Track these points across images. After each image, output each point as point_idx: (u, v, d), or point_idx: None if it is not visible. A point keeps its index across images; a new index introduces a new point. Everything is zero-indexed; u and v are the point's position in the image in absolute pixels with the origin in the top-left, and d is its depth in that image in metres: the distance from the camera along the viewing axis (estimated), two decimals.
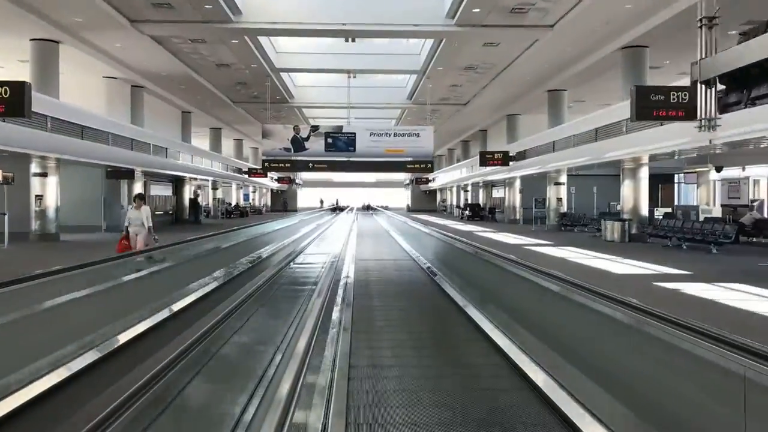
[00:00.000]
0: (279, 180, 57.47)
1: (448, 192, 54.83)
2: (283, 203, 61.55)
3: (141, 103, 25.86)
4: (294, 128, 25.44)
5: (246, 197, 54.27)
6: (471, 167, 37.05)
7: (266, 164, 25.44)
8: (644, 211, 18.85)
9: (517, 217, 32.23)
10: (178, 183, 31.55)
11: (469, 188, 46.21)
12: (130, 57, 21.74)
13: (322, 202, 79.61)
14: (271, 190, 62.30)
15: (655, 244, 17.54)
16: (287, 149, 25.26)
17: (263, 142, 25.35)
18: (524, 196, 31.76)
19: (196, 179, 37.81)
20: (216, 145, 39.98)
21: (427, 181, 58.11)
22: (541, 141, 22.94)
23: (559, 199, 25.57)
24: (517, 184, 32.16)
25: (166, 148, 24.01)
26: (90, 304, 6.94)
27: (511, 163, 26.04)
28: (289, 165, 25.68)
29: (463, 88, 28.29)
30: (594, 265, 12.33)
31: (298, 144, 25.26)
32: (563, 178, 25.58)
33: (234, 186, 46.46)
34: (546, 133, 22.84)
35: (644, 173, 18.68)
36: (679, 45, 19.11)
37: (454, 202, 52.91)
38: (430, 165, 25.32)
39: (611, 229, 18.75)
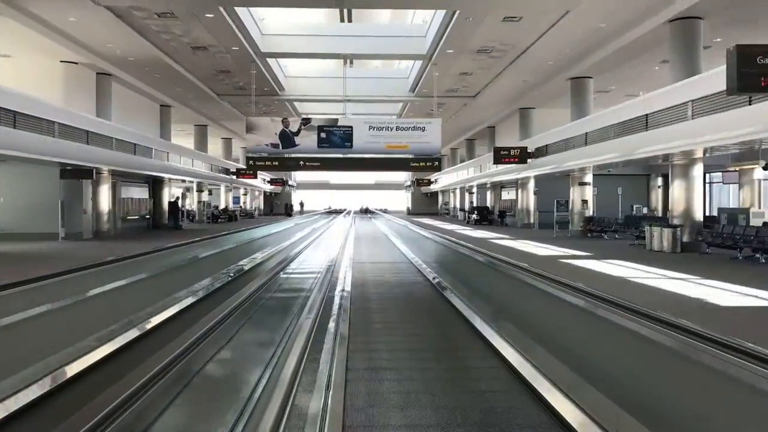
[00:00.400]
0: (272, 182, 54.36)
1: (451, 194, 51.72)
2: (286, 207, 59.38)
3: (108, 93, 22.70)
4: (282, 121, 22.36)
5: (236, 200, 51.10)
6: (479, 167, 33.95)
7: (251, 162, 22.37)
8: (698, 215, 15.76)
9: (531, 221, 29.15)
10: (156, 185, 28.40)
11: (475, 190, 43.11)
12: (89, 36, 18.60)
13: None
14: (264, 192, 59.17)
15: (719, 256, 14.45)
16: (275, 145, 22.19)
17: (248, 136, 22.28)
18: (539, 197, 28.71)
19: (181, 180, 34.69)
20: (201, 143, 36.82)
21: (429, 182, 55.00)
22: (569, 133, 19.80)
23: (585, 202, 22.49)
24: (531, 184, 29.11)
25: (135, 144, 20.85)
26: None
27: (529, 160, 22.93)
28: (277, 163, 22.59)
29: (473, 77, 25.20)
30: (678, 290, 9.20)
31: (287, 139, 22.19)
32: (588, 178, 22.50)
33: (223, 188, 43.28)
34: (577, 124, 19.63)
35: (698, 171, 15.61)
36: (737, 17, 16.11)
37: (457, 205, 49.83)
38: (437, 162, 22.27)
39: (659, 237, 15.65)
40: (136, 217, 26.24)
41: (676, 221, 15.76)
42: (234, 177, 37.09)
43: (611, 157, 16.59)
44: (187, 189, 41.76)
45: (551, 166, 21.30)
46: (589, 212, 22.63)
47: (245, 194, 50.77)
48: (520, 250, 16.45)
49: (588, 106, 22.76)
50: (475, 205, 41.30)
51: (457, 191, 49.76)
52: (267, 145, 22.22)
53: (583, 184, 22.53)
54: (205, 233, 25.34)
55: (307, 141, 22.25)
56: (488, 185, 36.85)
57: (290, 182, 62.11)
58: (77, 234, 20.42)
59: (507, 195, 34.43)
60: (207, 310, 8.10)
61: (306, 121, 22.46)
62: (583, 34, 18.49)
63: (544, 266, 11.83)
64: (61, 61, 20.42)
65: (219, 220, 37.88)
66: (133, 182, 25.61)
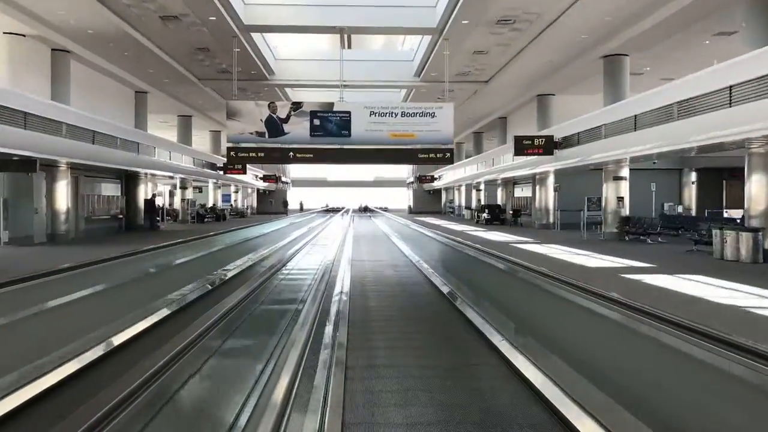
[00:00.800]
0: (265, 179, 51.19)
1: (456, 192, 48.55)
2: (283, 204, 58.15)
3: (66, 73, 19.53)
4: (269, 106, 19.16)
5: (227, 198, 47.92)
6: (491, 160, 30.76)
7: (232, 153, 19.15)
8: None
9: (551, 220, 26.03)
10: (130, 181, 25.23)
11: (483, 187, 39.97)
12: (35, 2, 15.45)
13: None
14: (258, 190, 55.97)
15: None
16: (260, 134, 18.99)
17: (229, 124, 19.08)
18: (559, 195, 25.58)
19: (162, 177, 31.54)
20: (186, 135, 33.65)
21: (432, 179, 51.82)
22: (609, 117, 16.51)
23: (620, 199, 19.35)
24: (551, 180, 25.98)
25: (93, 132, 17.63)
26: None
27: (555, 151, 19.75)
28: (262, 154, 19.36)
29: (488, 57, 22.04)
30: None
31: (274, 127, 19.00)
32: (625, 172, 19.37)
33: (211, 185, 40.10)
34: (622, 105, 16.19)
35: None
36: None
37: (462, 203, 46.71)
38: (449, 154, 19.07)
39: (733, 243, 12.52)
40: (106, 217, 23.07)
41: (754, 223, 12.63)
42: (221, 173, 33.87)
43: (671, 143, 13.36)
44: (175, 186, 38.43)
45: (581, 158, 18.10)
46: (626, 211, 19.50)
47: (236, 192, 47.58)
48: (556, 258, 13.31)
49: (623, 88, 19.64)
50: (483, 203, 38.20)
51: (463, 188, 46.62)
52: (251, 133, 19.02)
53: (618, 178, 19.39)
54: (186, 234, 22.20)
55: (298, 129, 19.07)
56: (499, 181, 33.70)
57: (283, 178, 58.81)
58: (26, 238, 17.29)
59: (521, 192, 31.26)
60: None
61: (296, 106, 19.26)
62: (622, 1, 15.40)
63: (606, 285, 8.69)
64: (4, 33, 17.24)
65: (206, 219, 34.71)
66: (100, 177, 22.43)
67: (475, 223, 32.55)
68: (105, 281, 11.17)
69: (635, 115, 14.54)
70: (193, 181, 35.22)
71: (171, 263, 15.66)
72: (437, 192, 56.74)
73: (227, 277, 12.45)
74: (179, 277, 13.37)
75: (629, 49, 19.34)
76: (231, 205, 46.53)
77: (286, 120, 19.05)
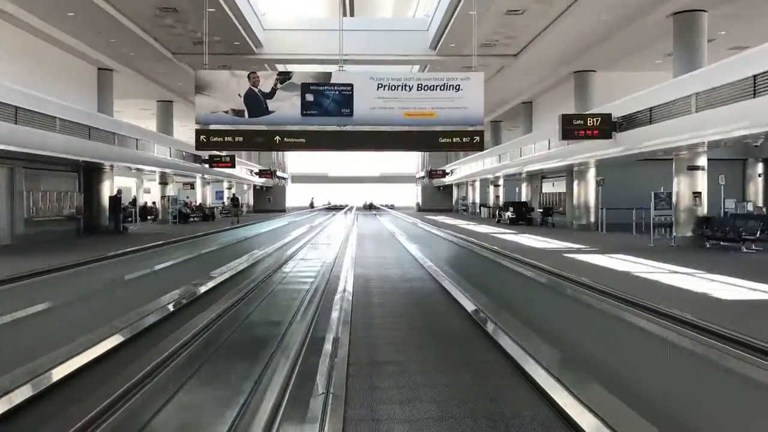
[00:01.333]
0: (261, 174, 47.14)
1: (470, 188, 44.34)
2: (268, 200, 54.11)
3: None
4: (249, 77, 15.05)
5: (220, 195, 43.89)
6: (519, 150, 26.55)
7: (201, 137, 15.03)
8: None
9: (592, 220, 21.87)
10: (92, 174, 21.19)
11: (501, 182, 35.82)
12: None
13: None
14: (254, 186, 51.89)
15: None
16: (237, 112, 14.92)
17: (198, 100, 14.99)
18: (603, 190, 21.42)
19: (133, 170, 27.67)
20: (166, 123, 29.57)
21: (444, 174, 47.62)
22: (705, 83, 12.16)
23: (697, 195, 15.18)
24: (592, 173, 21.82)
25: (16, 108, 13.44)
26: None
27: (615, 134, 15.49)
28: (241, 139, 15.25)
29: (524, 19, 17.84)
30: None
31: (255, 103, 14.92)
32: (703, 160, 15.20)
33: (199, 181, 36.05)
34: (735, 61, 11.67)
35: None
36: None
37: (477, 200, 42.53)
38: (478, 138, 14.94)
39: None
40: (57, 218, 19.03)
41: None
42: (206, 166, 29.73)
43: None
44: (166, 182, 34.25)
45: (662, 140, 13.78)
46: (703, 210, 15.31)
47: (230, 188, 43.52)
48: (646, 279, 9.16)
49: (700, 52, 15.45)
50: (502, 200, 34.07)
51: (477, 184, 42.45)
52: (226, 112, 14.92)
53: (693, 168, 15.21)
54: (160, 238, 18.24)
55: (286, 106, 14.97)
56: (523, 175, 29.54)
57: (279, 173, 54.46)
58: None
59: (551, 187, 27.09)
60: None
61: (284, 77, 15.13)
62: None
63: None
64: None
65: (191, 219, 30.67)
66: (48, 169, 18.37)
67: (496, 223, 28.39)
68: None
69: (754, 77, 10.28)
70: (175, 175, 31.22)
71: (124, 278, 11.72)
72: (448, 188, 52.52)
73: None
74: (144, 292, 9.54)
75: (707, 3, 15.16)
76: (223, 202, 42.51)
77: (271, 95, 14.93)
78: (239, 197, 29.56)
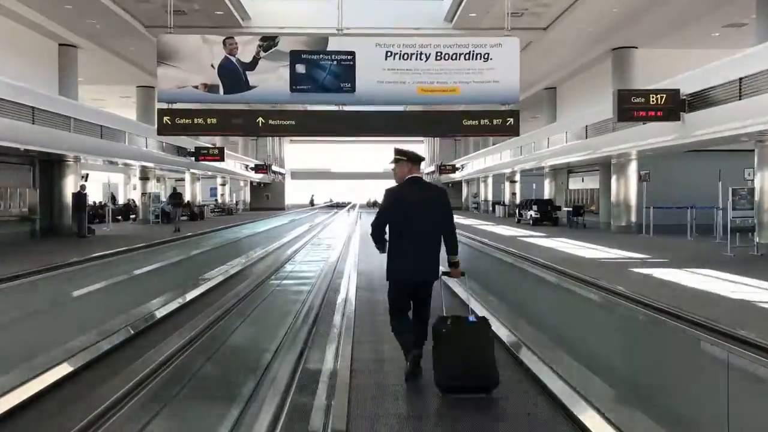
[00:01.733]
0: (257, 169, 44.12)
1: (482, 184, 41.22)
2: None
3: None
4: (225, 43, 12.00)
5: (213, 192, 40.93)
6: (547, 141, 23.45)
7: (166, 119, 11.95)
8: None
9: (632, 220, 18.81)
10: (50, 167, 18.20)
11: (518, 177, 32.78)
12: None
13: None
14: (251, 183, 48.84)
15: None
16: (210, 87, 11.90)
17: (160, 72, 11.96)
18: (647, 186, 18.30)
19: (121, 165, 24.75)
20: (147, 110, 26.53)
21: (454, 169, 44.50)
22: None
23: None
24: (633, 166, 18.75)
25: None
26: None
27: (683, 115, 12.35)
28: (215, 120, 12.12)
29: None
30: None
31: (232, 76, 11.90)
32: None
33: (188, 176, 33.04)
34: None
35: None
36: None
37: (490, 198, 39.44)
38: (511, 120, 11.86)
39: None
40: (8, 218, 16.06)
41: None
42: (192, 159, 26.67)
43: None
44: (150, 178, 31.03)
45: (754, 121, 10.66)
46: None
47: (224, 185, 40.52)
48: None
49: None
50: (519, 197, 31.03)
51: (489, 180, 39.33)
52: (196, 87, 11.88)
53: None
54: (127, 242, 15.10)
55: (271, 80, 11.95)
56: (546, 170, 26.47)
57: (274, 167, 51.15)
58: None
59: (580, 183, 24.00)
60: None
61: (268, 44, 12.04)
62: None
63: None
64: None
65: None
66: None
67: (516, 223, 25.28)
68: None
69: None
70: (160, 170, 28.27)
71: (62, 301, 8.65)
72: (456, 185, 49.34)
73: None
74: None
75: None
76: (216, 200, 39.59)
77: (252, 66, 11.87)
78: (182, 192, 24.98)
